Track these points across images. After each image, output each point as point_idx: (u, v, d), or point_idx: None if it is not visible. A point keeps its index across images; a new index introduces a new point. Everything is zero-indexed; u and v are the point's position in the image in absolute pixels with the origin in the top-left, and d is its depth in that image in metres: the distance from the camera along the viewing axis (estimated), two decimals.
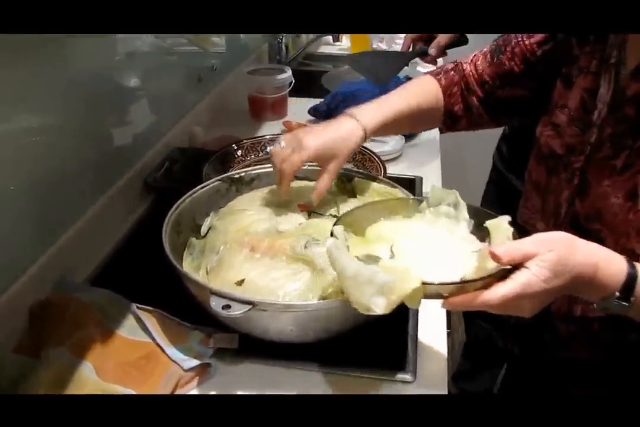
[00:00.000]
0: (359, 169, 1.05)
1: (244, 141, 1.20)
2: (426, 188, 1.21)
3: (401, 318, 0.81)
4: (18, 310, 0.77)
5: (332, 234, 0.66)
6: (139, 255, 0.94)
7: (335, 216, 0.84)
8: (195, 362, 0.72)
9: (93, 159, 0.96)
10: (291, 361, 0.75)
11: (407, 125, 0.91)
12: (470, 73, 0.90)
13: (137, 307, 0.81)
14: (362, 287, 0.57)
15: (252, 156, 1.19)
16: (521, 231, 0.66)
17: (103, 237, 0.99)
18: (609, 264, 0.59)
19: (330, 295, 0.69)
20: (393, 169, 1.23)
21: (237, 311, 0.62)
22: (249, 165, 1.15)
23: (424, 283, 0.56)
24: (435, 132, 1.46)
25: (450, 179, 1.26)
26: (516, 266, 0.56)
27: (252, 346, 0.75)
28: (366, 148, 1.19)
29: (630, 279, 0.58)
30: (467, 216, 0.69)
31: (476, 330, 1.64)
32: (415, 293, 0.56)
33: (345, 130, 0.80)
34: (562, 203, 0.78)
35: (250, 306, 0.63)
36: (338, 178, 0.92)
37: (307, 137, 0.79)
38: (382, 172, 1.10)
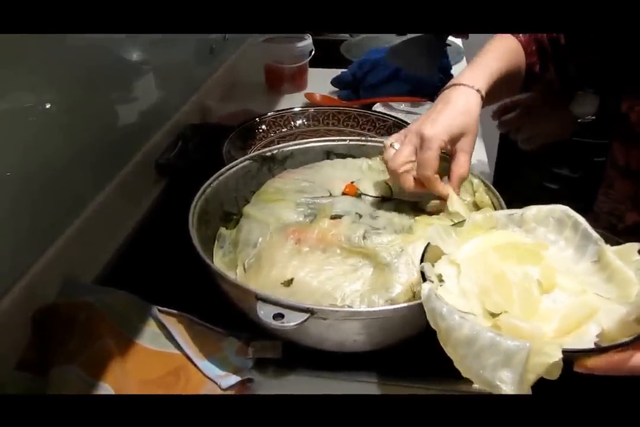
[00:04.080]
0: None
1: (267, 115, 1.08)
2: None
3: None
4: (19, 319, 0.66)
5: (423, 277, 0.50)
6: (155, 248, 0.84)
7: (383, 197, 0.72)
8: (234, 379, 0.61)
9: (96, 141, 0.85)
10: (347, 371, 0.64)
11: (506, 87, 0.79)
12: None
13: (159, 311, 0.69)
14: (481, 356, 0.44)
15: (277, 131, 1.07)
16: (596, 220, 0.55)
17: (113, 229, 0.88)
18: None
19: (399, 296, 0.57)
20: None
21: (292, 321, 0.50)
22: (273, 142, 1.04)
23: (564, 351, 0.42)
24: None
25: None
26: None
27: (299, 355, 0.64)
28: None
29: None
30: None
31: None
32: (554, 367, 0.42)
33: (462, 100, 0.67)
34: None
35: (308, 315, 0.51)
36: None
37: (424, 127, 0.64)
38: None
